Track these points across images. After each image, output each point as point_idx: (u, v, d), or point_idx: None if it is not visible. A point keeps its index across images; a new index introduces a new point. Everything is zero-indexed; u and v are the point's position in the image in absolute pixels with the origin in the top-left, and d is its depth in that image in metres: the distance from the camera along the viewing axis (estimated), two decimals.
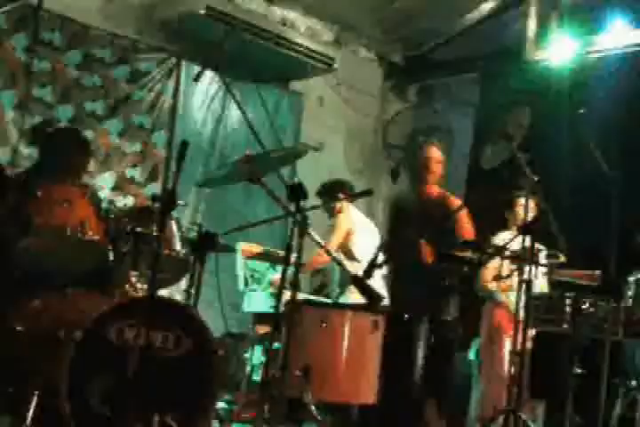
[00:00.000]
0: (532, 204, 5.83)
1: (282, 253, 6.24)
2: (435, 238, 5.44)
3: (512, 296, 5.37)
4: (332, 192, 6.28)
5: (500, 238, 5.80)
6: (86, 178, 5.19)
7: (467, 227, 5.56)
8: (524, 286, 4.68)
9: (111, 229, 4.55)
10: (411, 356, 5.23)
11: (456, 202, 5.72)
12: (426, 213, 5.62)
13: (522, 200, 5.80)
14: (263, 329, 5.83)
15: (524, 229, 4.75)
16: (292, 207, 4.34)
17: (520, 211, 5.70)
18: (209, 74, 6.81)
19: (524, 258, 4.77)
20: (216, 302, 6.01)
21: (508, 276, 5.63)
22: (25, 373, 4.03)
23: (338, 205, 6.30)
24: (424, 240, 5.46)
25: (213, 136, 7.53)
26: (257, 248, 6.20)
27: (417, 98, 9.10)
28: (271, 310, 4.66)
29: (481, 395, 6.12)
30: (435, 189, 5.74)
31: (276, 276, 6.07)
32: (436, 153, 5.75)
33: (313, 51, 7.48)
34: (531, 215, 5.86)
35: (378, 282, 5.55)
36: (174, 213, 4.64)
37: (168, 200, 3.86)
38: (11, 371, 4.08)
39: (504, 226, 6.12)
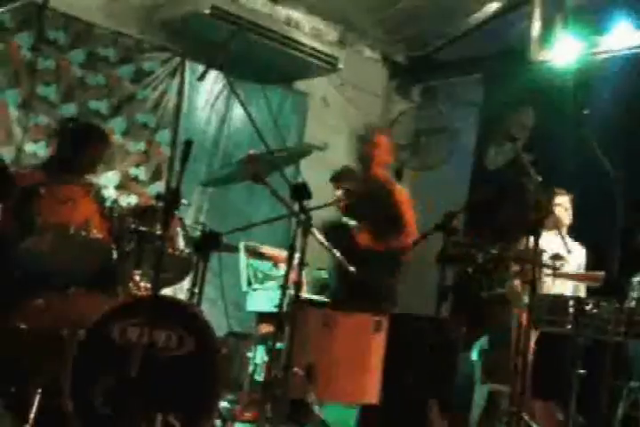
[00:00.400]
0: (569, 204, 5.88)
1: (273, 251, 6.33)
2: (376, 222, 5.62)
3: None
4: (343, 179, 6.33)
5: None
6: (90, 176, 5.16)
7: (408, 213, 5.79)
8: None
9: (115, 228, 4.55)
10: (412, 356, 5.23)
11: (397, 187, 5.94)
12: (368, 197, 5.83)
13: (560, 199, 5.85)
14: (266, 329, 5.82)
15: (529, 230, 4.75)
16: (296, 207, 4.34)
17: (559, 211, 5.76)
18: (213, 73, 6.81)
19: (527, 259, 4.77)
20: (219, 302, 6.03)
21: (514, 276, 5.62)
22: (28, 372, 4.03)
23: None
24: (364, 224, 5.59)
25: (217, 135, 7.51)
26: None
27: (421, 98, 9.09)
28: (274, 310, 4.65)
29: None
30: (379, 173, 5.94)
31: None
32: (379, 139, 5.99)
33: (317, 51, 7.45)
34: (569, 215, 5.93)
35: None
36: (178, 213, 4.64)
37: (172, 199, 3.87)
38: (13, 370, 4.08)
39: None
